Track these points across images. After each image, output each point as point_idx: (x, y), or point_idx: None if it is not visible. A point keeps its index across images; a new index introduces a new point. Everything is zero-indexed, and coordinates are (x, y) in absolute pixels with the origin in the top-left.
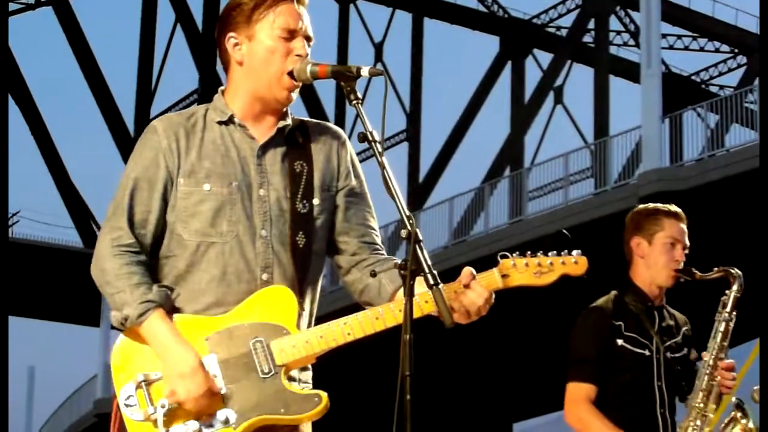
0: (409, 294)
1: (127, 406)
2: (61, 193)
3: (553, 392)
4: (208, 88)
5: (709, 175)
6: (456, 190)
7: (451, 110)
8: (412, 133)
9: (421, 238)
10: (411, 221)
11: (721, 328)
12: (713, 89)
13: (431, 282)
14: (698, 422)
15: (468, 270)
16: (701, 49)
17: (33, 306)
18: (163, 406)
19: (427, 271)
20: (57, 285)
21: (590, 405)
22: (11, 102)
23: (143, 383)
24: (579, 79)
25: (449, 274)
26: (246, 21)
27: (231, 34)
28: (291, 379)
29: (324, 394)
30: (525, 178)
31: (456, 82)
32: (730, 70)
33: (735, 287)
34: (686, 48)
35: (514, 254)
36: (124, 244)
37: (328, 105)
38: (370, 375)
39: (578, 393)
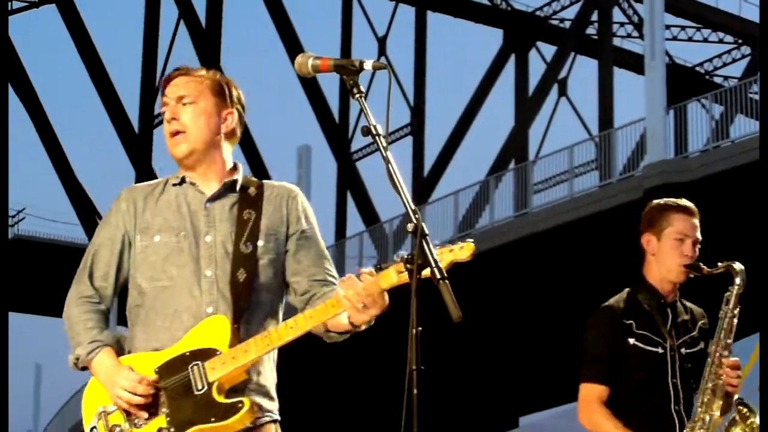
0: (416, 290)
1: None
2: (66, 190)
3: (560, 386)
4: None
5: (714, 167)
6: (461, 183)
7: (456, 104)
8: (417, 127)
9: (427, 232)
10: (417, 215)
11: (725, 325)
12: (717, 80)
13: (438, 276)
14: (707, 418)
15: (365, 271)
16: (705, 40)
17: (39, 303)
18: (113, 429)
19: (433, 264)
20: (63, 281)
21: (602, 406)
22: (16, 100)
23: (103, 413)
24: (583, 71)
25: (454, 268)
26: None
27: None
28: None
29: (247, 401)
30: (530, 171)
31: (460, 76)
32: (734, 60)
33: (738, 282)
34: (690, 39)
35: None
36: (86, 296)
37: (332, 100)
38: (377, 369)
39: (590, 394)
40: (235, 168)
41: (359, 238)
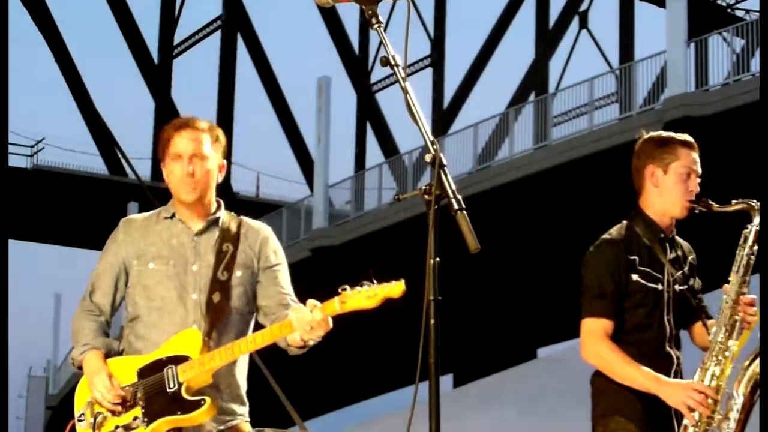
0: (434, 219)
1: (79, 420)
2: (86, 121)
3: (578, 319)
4: (231, 15)
5: (735, 100)
6: (480, 115)
7: (476, 35)
8: (437, 59)
9: (445, 163)
10: (435, 146)
11: (743, 262)
12: (739, 14)
13: (456, 207)
14: (720, 357)
15: (312, 302)
16: None
17: (58, 233)
18: (96, 416)
19: (451, 195)
20: (82, 212)
21: (608, 340)
22: (36, 30)
23: (90, 403)
24: (604, 3)
25: (474, 200)
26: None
27: None
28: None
29: (208, 399)
30: (550, 103)
31: (480, 7)
32: None
33: (756, 220)
34: None
35: (351, 287)
36: (87, 309)
37: (352, 31)
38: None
39: (596, 328)
40: (218, 206)
41: (378, 170)
